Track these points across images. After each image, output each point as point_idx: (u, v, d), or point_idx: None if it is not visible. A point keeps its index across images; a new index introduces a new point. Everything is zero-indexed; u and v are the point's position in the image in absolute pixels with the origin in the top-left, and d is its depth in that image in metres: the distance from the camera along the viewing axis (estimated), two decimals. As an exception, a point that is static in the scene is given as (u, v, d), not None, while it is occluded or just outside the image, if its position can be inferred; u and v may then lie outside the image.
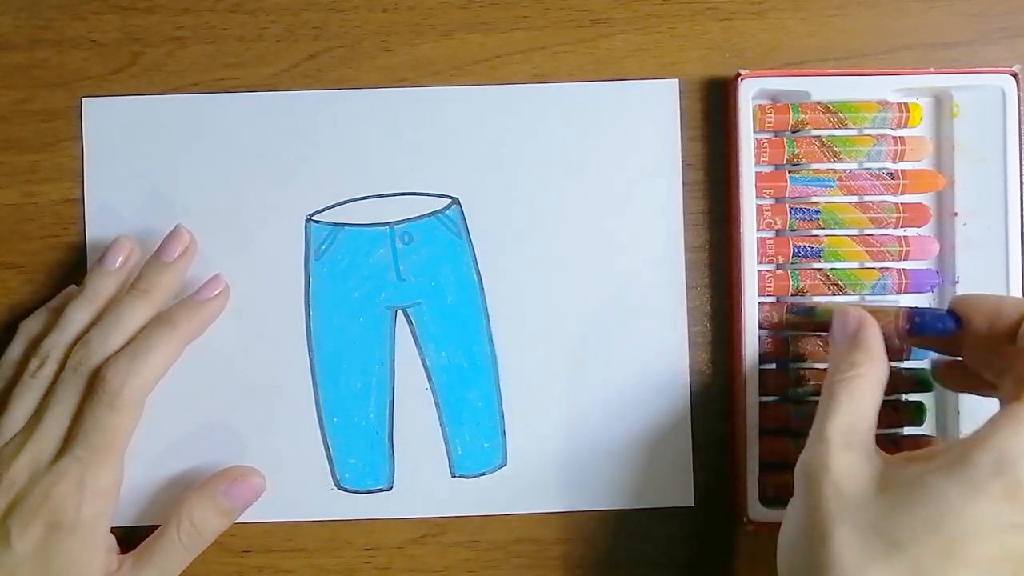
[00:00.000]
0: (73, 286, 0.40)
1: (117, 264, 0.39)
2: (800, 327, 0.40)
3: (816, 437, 0.34)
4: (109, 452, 0.36)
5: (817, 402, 0.40)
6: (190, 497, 0.39)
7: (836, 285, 0.40)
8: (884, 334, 0.36)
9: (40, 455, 0.36)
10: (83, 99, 0.41)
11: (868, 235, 0.40)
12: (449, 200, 0.41)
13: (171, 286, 0.39)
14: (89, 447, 0.36)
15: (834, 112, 0.40)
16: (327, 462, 0.41)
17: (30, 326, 0.39)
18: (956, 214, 0.41)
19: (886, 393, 0.40)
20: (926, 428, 0.41)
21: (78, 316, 0.38)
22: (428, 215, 0.41)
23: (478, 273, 0.41)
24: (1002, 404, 0.33)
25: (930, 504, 0.30)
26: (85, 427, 0.36)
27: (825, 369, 0.40)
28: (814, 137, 0.40)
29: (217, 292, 0.39)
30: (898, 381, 0.40)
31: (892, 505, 0.30)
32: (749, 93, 0.39)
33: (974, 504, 0.29)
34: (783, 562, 0.33)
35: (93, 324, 0.38)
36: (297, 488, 0.41)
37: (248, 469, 0.40)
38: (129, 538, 0.39)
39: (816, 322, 0.39)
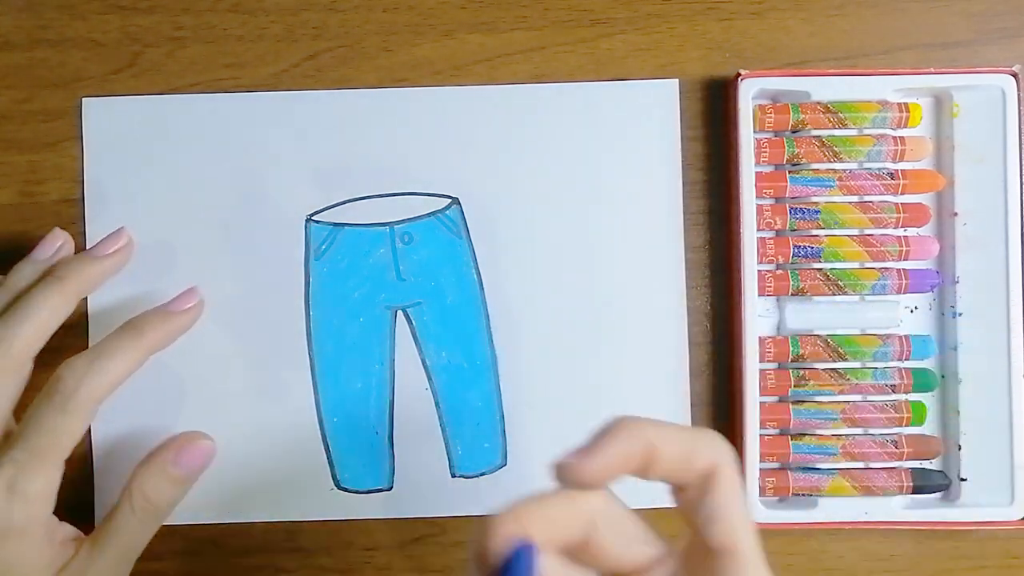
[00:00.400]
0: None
1: (47, 254, 0.38)
2: None
3: None
4: (50, 455, 0.34)
5: (818, 402, 0.40)
6: (139, 470, 0.37)
7: (836, 285, 0.40)
8: None
9: None
10: (83, 99, 0.41)
11: (868, 235, 0.40)
12: (449, 200, 0.41)
13: (91, 279, 0.38)
14: (28, 449, 0.34)
15: (834, 112, 0.40)
16: (327, 462, 0.41)
17: None
18: (956, 214, 0.41)
19: (883, 391, 0.40)
20: (926, 428, 0.41)
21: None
22: (428, 215, 0.41)
23: (478, 273, 0.41)
24: None
25: None
26: (29, 427, 0.34)
27: (826, 370, 0.40)
28: (814, 137, 0.40)
29: (190, 305, 0.38)
30: (899, 381, 0.40)
31: None
32: (749, 93, 0.39)
33: None
34: None
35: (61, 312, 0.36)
36: (297, 488, 0.41)
37: (196, 433, 0.38)
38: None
39: None
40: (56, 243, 0.39)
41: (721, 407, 0.41)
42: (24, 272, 0.38)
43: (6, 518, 0.34)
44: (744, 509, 0.27)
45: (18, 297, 0.37)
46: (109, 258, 0.38)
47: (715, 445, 0.27)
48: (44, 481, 0.34)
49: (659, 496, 0.41)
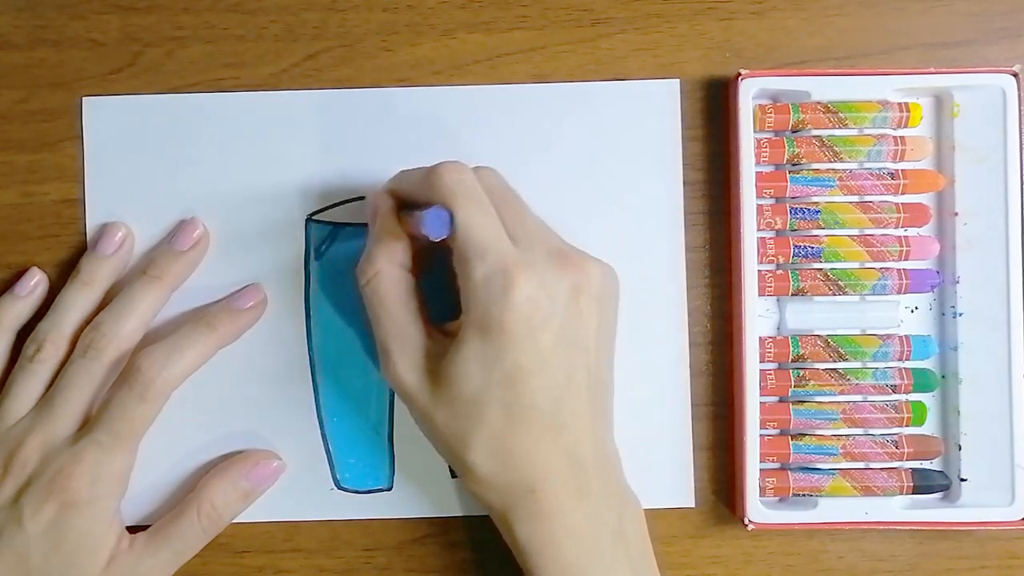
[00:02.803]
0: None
1: (111, 249, 0.39)
2: None
3: (380, 350, 0.36)
4: (129, 439, 0.37)
5: (818, 403, 0.40)
6: (211, 481, 0.39)
7: (837, 285, 0.40)
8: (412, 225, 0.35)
9: (52, 437, 0.37)
10: (83, 99, 0.41)
11: (868, 235, 0.40)
12: (449, 200, 0.41)
13: (182, 274, 0.40)
14: (111, 432, 0.36)
15: (834, 112, 0.40)
16: (327, 462, 0.41)
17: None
18: (956, 214, 0.41)
19: (884, 391, 0.40)
20: (927, 428, 0.41)
21: (75, 301, 0.39)
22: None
23: (478, 273, 0.41)
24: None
25: (472, 364, 0.34)
26: (110, 413, 0.37)
27: (827, 370, 0.40)
28: (814, 137, 0.40)
29: (254, 303, 0.40)
30: (899, 381, 0.40)
31: (452, 377, 0.34)
32: (749, 93, 0.39)
33: (493, 346, 0.33)
34: (435, 447, 0.37)
35: (87, 309, 0.39)
36: (297, 488, 0.41)
37: (269, 452, 0.40)
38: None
39: None
40: (118, 237, 0.40)
41: (721, 407, 0.41)
42: (102, 268, 0.39)
43: (90, 491, 0.36)
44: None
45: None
46: (192, 250, 0.40)
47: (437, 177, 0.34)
48: (123, 462, 0.37)
49: (658, 496, 0.41)
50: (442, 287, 0.37)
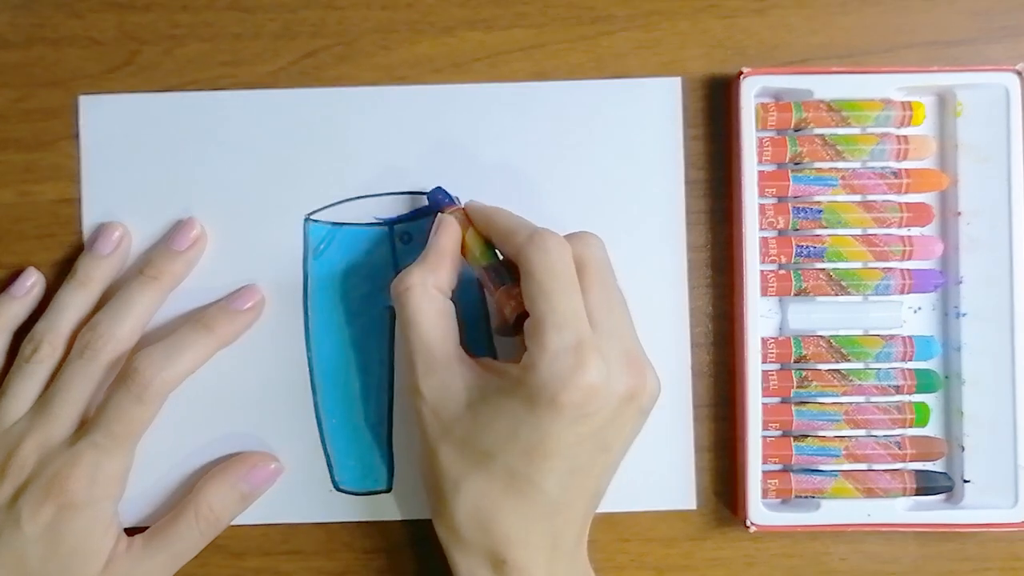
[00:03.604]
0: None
1: (109, 249, 0.39)
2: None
3: (406, 360, 0.36)
4: (127, 440, 0.37)
5: (820, 404, 0.40)
6: (208, 483, 0.39)
7: (839, 285, 0.40)
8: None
9: (49, 439, 0.37)
10: (80, 97, 0.41)
11: (871, 235, 0.40)
12: (449, 200, 0.40)
13: (180, 274, 0.40)
14: (109, 434, 0.36)
15: (837, 110, 0.40)
16: (325, 464, 0.41)
17: None
18: (960, 213, 0.40)
19: (886, 392, 0.40)
20: (930, 429, 0.41)
21: (72, 301, 0.39)
22: (427, 214, 0.41)
23: (478, 273, 0.41)
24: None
25: (503, 419, 0.34)
26: (107, 414, 0.36)
27: (829, 371, 0.40)
28: (817, 136, 0.40)
29: (251, 303, 0.40)
30: (902, 382, 0.40)
31: (476, 422, 0.34)
32: (751, 91, 0.39)
33: (535, 416, 0.33)
34: (423, 477, 0.37)
35: (84, 309, 0.39)
36: (295, 489, 0.41)
37: (265, 455, 0.40)
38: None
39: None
40: (114, 237, 0.40)
41: (723, 408, 0.41)
42: (99, 268, 0.39)
43: (88, 493, 0.36)
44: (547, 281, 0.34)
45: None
46: (190, 250, 0.40)
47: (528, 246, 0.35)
48: (121, 463, 0.37)
49: (660, 498, 0.41)
50: (477, 321, 0.37)
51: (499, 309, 0.36)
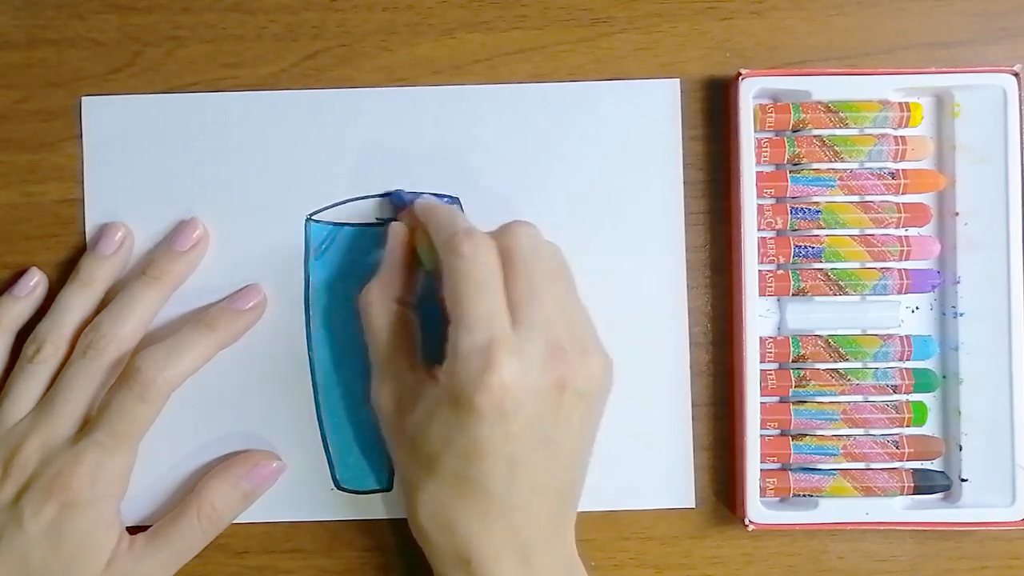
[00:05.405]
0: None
1: (111, 249, 0.39)
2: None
3: (372, 372, 0.38)
4: (129, 439, 0.37)
5: (818, 403, 0.40)
6: (210, 481, 0.39)
7: (837, 285, 0.40)
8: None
9: (52, 438, 0.37)
10: (82, 98, 0.41)
11: (869, 235, 0.40)
12: (449, 199, 0.41)
13: (182, 274, 0.40)
14: (112, 433, 0.37)
15: (835, 111, 0.40)
16: (327, 463, 0.41)
17: None
18: (957, 214, 0.41)
19: (884, 391, 0.40)
20: (928, 428, 0.41)
21: (75, 301, 0.39)
22: (428, 215, 0.41)
23: (478, 273, 0.41)
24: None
25: (439, 424, 0.34)
26: (110, 413, 0.37)
27: (827, 370, 0.40)
28: (815, 136, 0.40)
29: (254, 303, 0.40)
30: (900, 381, 0.40)
31: (421, 429, 0.35)
32: (750, 92, 0.39)
33: (459, 419, 0.33)
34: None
35: (86, 309, 0.39)
36: (296, 488, 0.41)
37: (268, 453, 0.40)
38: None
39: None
40: (117, 237, 0.40)
41: (722, 408, 0.41)
42: (101, 269, 0.39)
43: (90, 492, 0.36)
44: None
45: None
46: (192, 250, 0.40)
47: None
48: (123, 462, 0.37)
49: (658, 496, 0.41)
50: (442, 325, 0.37)
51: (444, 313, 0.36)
